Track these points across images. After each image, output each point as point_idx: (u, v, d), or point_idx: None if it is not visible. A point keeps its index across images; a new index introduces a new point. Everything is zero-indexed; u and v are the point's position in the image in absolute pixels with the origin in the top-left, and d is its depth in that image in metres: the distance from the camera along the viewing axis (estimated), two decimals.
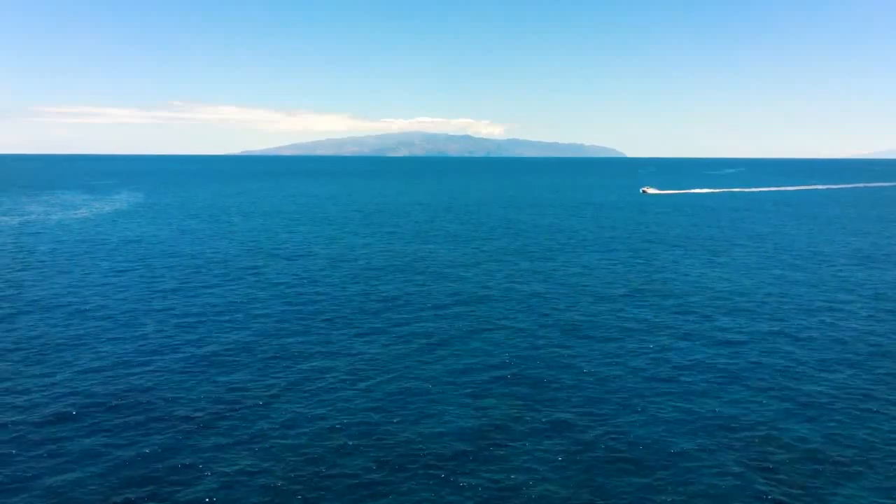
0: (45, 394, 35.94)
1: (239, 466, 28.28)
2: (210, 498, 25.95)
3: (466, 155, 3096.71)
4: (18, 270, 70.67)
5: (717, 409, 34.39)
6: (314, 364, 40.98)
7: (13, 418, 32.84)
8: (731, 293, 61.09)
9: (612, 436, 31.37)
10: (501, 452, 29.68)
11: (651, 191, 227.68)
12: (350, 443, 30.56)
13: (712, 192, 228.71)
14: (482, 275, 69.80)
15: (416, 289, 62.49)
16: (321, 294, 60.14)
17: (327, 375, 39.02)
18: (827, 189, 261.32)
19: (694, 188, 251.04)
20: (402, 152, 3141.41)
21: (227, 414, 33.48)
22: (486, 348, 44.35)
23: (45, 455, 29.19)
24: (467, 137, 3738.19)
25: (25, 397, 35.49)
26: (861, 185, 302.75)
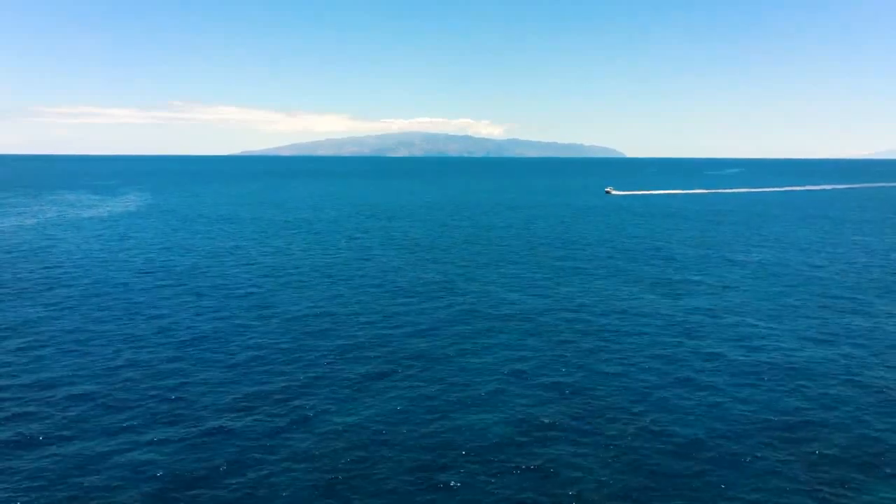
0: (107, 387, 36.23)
1: (289, 456, 28.60)
2: (262, 483, 26.27)
3: (466, 155, 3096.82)
4: (46, 268, 70.93)
5: (754, 408, 34.72)
6: (357, 366, 41.30)
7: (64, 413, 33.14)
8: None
9: (657, 433, 31.67)
10: (545, 447, 30.00)
11: (614, 192, 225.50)
12: (399, 438, 30.87)
13: (680, 194, 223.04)
14: (506, 280, 70.09)
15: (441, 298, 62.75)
16: (356, 301, 60.44)
17: (378, 378, 39.33)
18: (833, 189, 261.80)
19: (659, 189, 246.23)
20: (402, 152, 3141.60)
21: (275, 406, 33.79)
22: (529, 352, 44.67)
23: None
24: (467, 137, 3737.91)
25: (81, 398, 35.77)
26: (860, 185, 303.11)
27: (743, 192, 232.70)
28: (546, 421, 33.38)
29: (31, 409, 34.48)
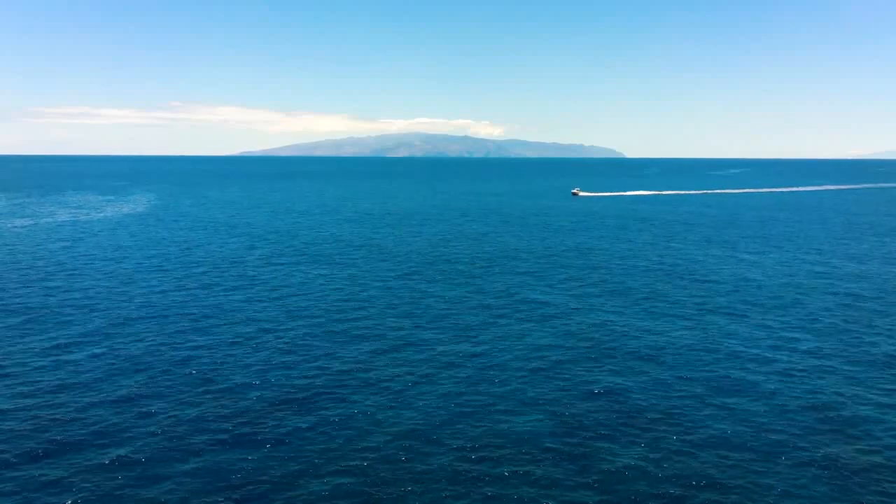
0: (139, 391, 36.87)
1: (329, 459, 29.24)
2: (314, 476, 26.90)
3: (466, 155, 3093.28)
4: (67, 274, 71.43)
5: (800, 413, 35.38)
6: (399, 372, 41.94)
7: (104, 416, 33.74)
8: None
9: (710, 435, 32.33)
10: (586, 447, 30.64)
11: (581, 193, 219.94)
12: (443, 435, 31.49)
13: (649, 195, 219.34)
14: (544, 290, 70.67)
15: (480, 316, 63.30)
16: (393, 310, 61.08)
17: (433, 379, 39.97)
18: (836, 189, 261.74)
19: (625, 190, 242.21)
20: (402, 153, 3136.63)
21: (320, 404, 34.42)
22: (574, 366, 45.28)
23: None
24: (467, 138, 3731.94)
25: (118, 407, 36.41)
26: (863, 185, 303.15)
27: (743, 193, 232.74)
28: (587, 424, 34.00)
29: (97, 424, 35.11)
